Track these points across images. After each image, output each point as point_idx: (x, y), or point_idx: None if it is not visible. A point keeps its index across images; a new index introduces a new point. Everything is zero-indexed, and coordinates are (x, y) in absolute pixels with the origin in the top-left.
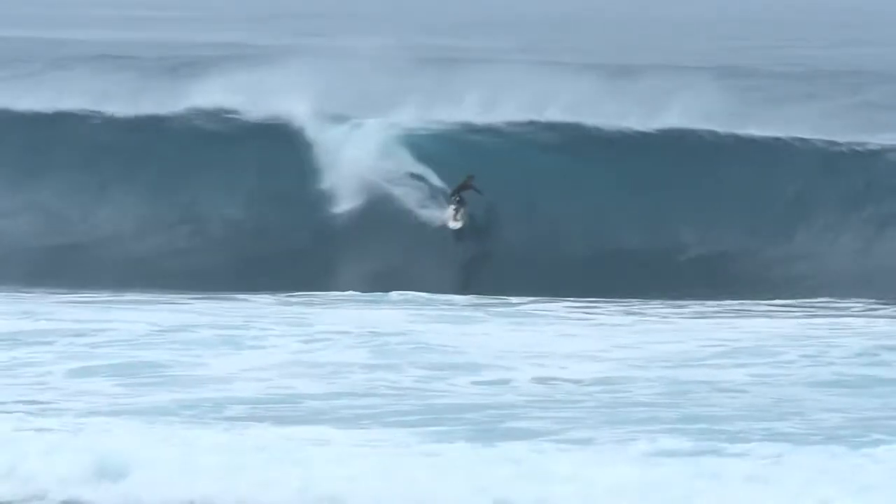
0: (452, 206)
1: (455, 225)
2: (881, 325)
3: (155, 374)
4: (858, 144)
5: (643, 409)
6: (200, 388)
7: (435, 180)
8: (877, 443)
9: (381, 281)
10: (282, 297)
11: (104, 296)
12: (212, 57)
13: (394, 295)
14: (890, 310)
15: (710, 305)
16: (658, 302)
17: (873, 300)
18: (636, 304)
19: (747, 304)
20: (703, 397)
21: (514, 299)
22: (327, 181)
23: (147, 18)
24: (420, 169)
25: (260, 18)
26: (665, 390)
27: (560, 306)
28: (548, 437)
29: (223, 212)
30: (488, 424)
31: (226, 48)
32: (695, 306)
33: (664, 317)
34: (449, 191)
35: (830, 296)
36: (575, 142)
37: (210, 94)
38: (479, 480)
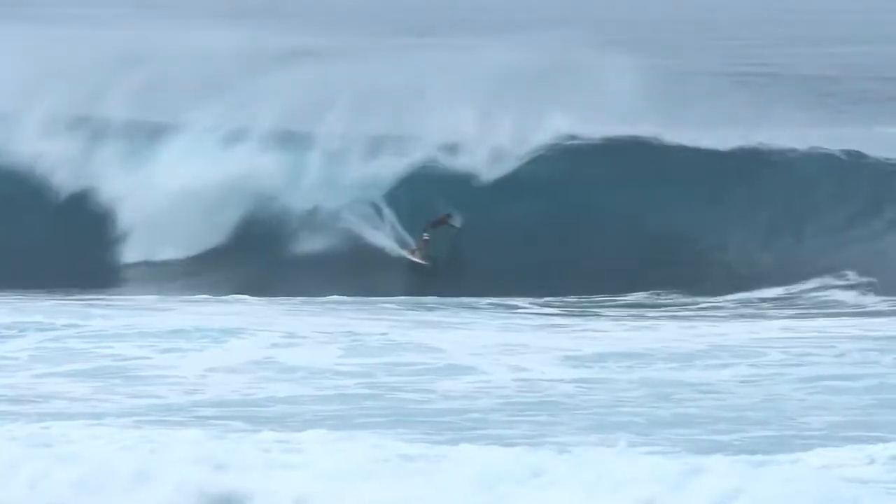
0: (421, 240)
1: (418, 260)
2: (870, 324)
3: (124, 374)
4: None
5: (625, 410)
6: (171, 389)
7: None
8: (863, 444)
9: (365, 286)
10: (260, 299)
11: (79, 296)
12: None
13: (376, 299)
14: (879, 308)
15: (696, 307)
16: (642, 301)
17: (860, 300)
18: (620, 307)
19: (732, 304)
20: (687, 399)
21: (494, 301)
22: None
23: None
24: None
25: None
26: (648, 392)
27: (541, 309)
28: (527, 441)
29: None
30: (466, 428)
31: None
32: (679, 307)
33: (648, 318)
34: (425, 225)
35: (816, 295)
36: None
37: None
38: (456, 485)
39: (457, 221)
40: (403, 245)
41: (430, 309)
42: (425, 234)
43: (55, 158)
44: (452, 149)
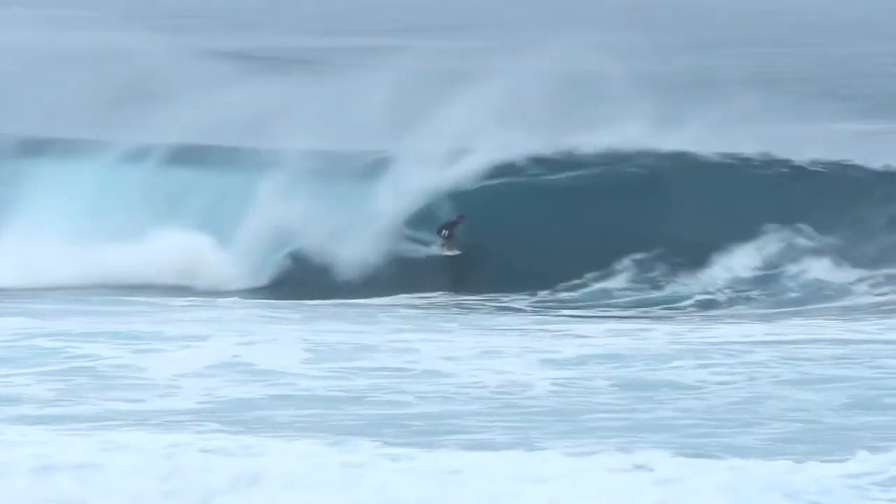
0: (441, 242)
1: (450, 253)
2: (854, 327)
3: (91, 376)
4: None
5: (605, 414)
6: (140, 393)
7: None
8: (847, 446)
9: (347, 289)
10: (237, 302)
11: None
12: None
13: (357, 302)
14: (864, 303)
15: (679, 308)
16: (622, 302)
17: (847, 301)
18: (602, 308)
19: (715, 306)
20: (669, 401)
21: (474, 302)
22: None
23: None
24: None
25: None
26: (629, 394)
27: (519, 310)
28: (505, 444)
29: None
30: (440, 433)
31: None
32: (662, 309)
33: (629, 319)
34: (437, 228)
35: (799, 297)
36: None
37: None
38: (432, 488)
39: (467, 223)
40: (427, 243)
41: (409, 310)
42: (445, 232)
43: None
44: (446, 153)
